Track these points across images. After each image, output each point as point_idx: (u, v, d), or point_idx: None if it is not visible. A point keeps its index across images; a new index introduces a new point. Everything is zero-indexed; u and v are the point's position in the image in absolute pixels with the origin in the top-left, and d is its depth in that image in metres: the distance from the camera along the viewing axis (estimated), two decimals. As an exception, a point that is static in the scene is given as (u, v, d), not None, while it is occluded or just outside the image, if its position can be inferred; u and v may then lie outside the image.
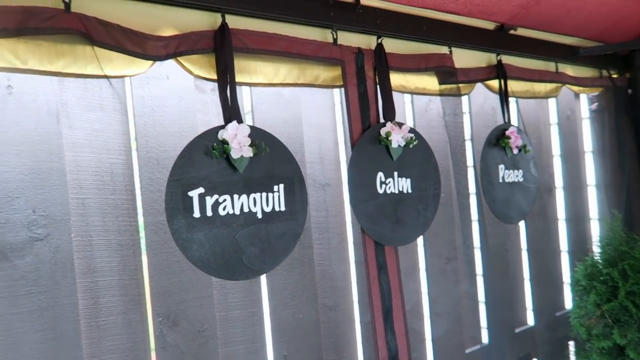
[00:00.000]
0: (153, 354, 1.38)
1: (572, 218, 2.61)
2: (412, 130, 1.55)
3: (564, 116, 2.62)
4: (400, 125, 1.52)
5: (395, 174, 1.50)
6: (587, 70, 2.39)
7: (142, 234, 1.38)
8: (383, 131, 1.48)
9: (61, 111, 1.26)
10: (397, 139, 1.49)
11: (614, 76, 2.48)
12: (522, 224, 2.41)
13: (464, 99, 2.18)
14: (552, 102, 2.60)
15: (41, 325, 1.21)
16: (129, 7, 1.13)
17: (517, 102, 2.39)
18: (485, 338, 2.19)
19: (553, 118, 2.61)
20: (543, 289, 2.44)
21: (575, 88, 2.36)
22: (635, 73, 2.49)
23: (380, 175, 1.46)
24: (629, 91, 2.52)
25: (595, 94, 2.56)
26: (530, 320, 2.41)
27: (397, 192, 1.50)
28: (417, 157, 1.56)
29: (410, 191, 1.53)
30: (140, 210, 1.37)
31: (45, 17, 0.98)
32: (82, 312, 1.28)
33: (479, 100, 2.21)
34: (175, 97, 1.42)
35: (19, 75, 1.18)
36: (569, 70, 2.30)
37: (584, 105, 2.72)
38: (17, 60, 1.00)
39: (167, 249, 1.40)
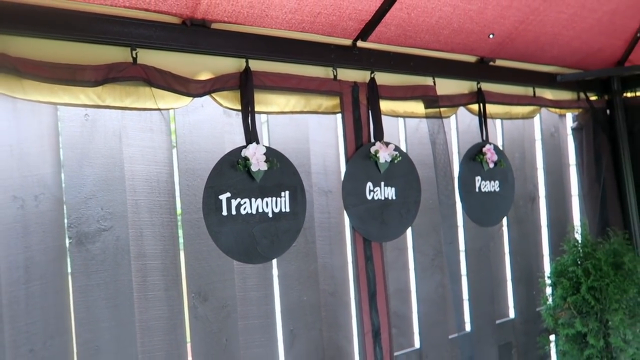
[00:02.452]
0: (187, 322, 1.76)
1: (554, 224, 2.92)
2: (397, 149, 1.90)
3: (548, 133, 2.93)
4: (387, 144, 1.87)
5: (382, 183, 1.86)
6: (566, 94, 2.71)
7: (180, 228, 1.76)
8: (372, 149, 1.84)
9: (122, 133, 1.65)
10: (384, 156, 1.85)
11: (592, 98, 2.78)
12: (505, 229, 2.73)
13: (452, 118, 2.52)
14: (537, 120, 2.92)
15: (106, 295, 1.60)
16: (178, 58, 1.51)
17: (502, 122, 2.72)
18: (468, 326, 2.52)
19: (537, 135, 2.93)
20: (525, 287, 2.75)
21: (554, 110, 2.67)
22: (613, 96, 2.78)
23: (369, 184, 1.82)
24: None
25: (575, 113, 2.86)
26: (512, 314, 2.72)
27: (383, 198, 1.86)
28: (401, 170, 1.91)
29: (394, 198, 1.88)
30: (179, 210, 1.75)
31: (120, 69, 1.37)
32: (135, 287, 1.66)
33: (467, 120, 2.54)
34: (208, 121, 1.80)
35: (93, 107, 1.58)
36: (548, 94, 2.61)
37: (569, 123, 3.03)
38: (99, 100, 1.39)
39: (199, 241, 1.77)
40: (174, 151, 1.75)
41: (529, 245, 2.80)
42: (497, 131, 2.71)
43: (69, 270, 1.56)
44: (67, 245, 1.55)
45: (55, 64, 1.28)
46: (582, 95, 2.74)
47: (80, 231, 1.57)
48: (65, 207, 1.55)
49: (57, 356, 1.52)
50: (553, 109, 2.67)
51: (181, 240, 1.77)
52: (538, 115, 2.78)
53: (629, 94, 2.78)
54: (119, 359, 1.61)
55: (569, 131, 3.01)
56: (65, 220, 1.55)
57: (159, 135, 1.73)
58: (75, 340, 1.55)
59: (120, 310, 1.62)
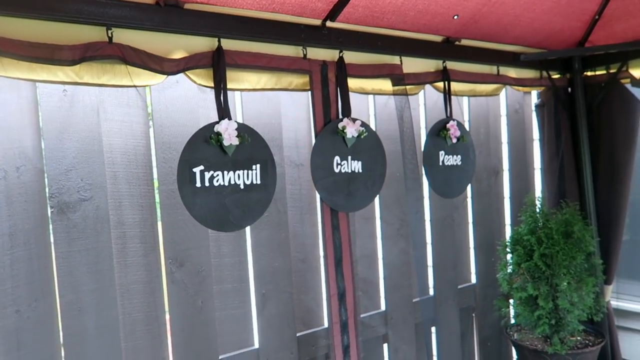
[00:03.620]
0: (165, 286, 1.88)
1: (516, 196, 3.09)
2: (363, 125, 2.01)
3: (513, 109, 3.07)
4: (354, 120, 1.98)
5: (349, 157, 1.97)
6: (529, 72, 2.83)
7: (157, 198, 1.86)
8: (340, 125, 1.95)
9: (100, 107, 1.73)
10: (351, 131, 1.96)
11: (554, 77, 2.92)
12: (469, 200, 2.89)
13: (420, 95, 2.64)
14: (502, 97, 3.05)
15: (87, 260, 1.70)
16: (152, 37, 1.58)
17: (468, 99, 2.85)
18: (432, 291, 2.70)
19: (503, 111, 3.07)
20: (486, 255, 2.93)
21: (517, 87, 2.80)
22: (574, 75, 2.92)
23: (337, 158, 1.94)
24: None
25: (538, 91, 3.00)
26: (473, 279, 2.91)
27: (350, 171, 1.98)
28: (368, 145, 2.03)
29: (361, 171, 2.01)
30: (155, 181, 1.85)
31: (97, 48, 1.44)
32: (114, 253, 1.77)
33: (434, 97, 2.66)
34: (183, 97, 1.88)
35: (71, 82, 1.65)
36: (512, 72, 2.74)
37: (533, 100, 3.17)
38: (77, 77, 1.46)
39: (175, 210, 1.88)
40: (151, 125, 1.84)
41: (492, 216, 2.98)
42: (464, 107, 2.84)
43: (52, 237, 1.66)
44: (49, 214, 1.65)
45: (34, 43, 1.35)
46: (544, 73, 2.87)
47: (61, 201, 1.66)
48: (46, 178, 1.64)
49: (42, 316, 1.64)
50: (517, 87, 2.79)
51: (158, 209, 1.88)
52: (504, 92, 2.91)
53: (589, 73, 2.91)
54: (101, 319, 1.73)
55: (533, 107, 3.16)
56: (47, 191, 1.64)
57: (136, 110, 1.81)
58: (59, 302, 1.66)
59: (101, 275, 1.73)
